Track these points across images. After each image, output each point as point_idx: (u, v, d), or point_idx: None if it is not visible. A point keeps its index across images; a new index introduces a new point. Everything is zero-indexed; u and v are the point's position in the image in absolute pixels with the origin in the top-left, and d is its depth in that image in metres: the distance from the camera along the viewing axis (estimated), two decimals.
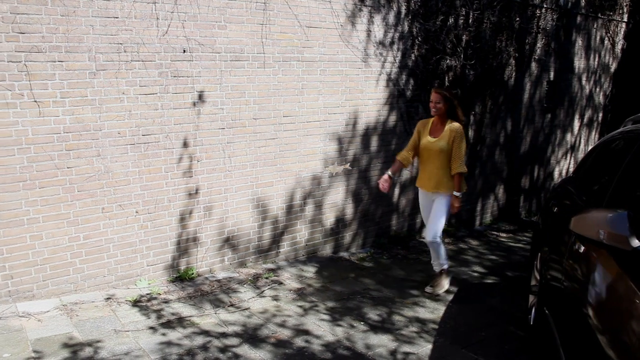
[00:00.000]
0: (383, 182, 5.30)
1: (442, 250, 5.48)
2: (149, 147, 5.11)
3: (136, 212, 5.14)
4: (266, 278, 5.64)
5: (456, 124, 5.24)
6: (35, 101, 4.57)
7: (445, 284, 5.61)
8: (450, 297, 5.47)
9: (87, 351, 3.99)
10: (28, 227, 4.67)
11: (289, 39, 5.79)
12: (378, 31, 6.46)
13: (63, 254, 4.86)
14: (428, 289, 5.55)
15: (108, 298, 4.92)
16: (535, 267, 4.74)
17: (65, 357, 3.90)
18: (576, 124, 10.35)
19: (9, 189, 4.55)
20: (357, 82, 6.41)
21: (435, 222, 5.31)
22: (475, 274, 6.28)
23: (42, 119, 4.62)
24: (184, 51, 5.17)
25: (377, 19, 6.43)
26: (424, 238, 6.11)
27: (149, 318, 4.59)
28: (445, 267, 5.57)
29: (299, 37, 5.85)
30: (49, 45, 4.58)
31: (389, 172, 5.37)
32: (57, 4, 4.55)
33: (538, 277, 4.52)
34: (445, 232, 7.64)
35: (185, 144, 5.30)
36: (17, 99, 4.51)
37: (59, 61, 4.64)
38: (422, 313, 5.04)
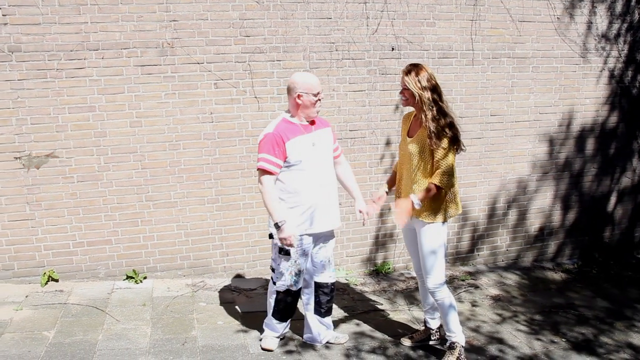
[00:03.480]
0: (373, 205, 3.89)
1: (451, 306, 3.79)
2: (355, 142, 5.29)
3: (340, 204, 5.34)
4: (462, 280, 5.50)
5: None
6: (256, 97, 5.00)
7: None
8: None
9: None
10: (243, 210, 5.14)
11: (500, 34, 5.55)
12: (601, 22, 5.88)
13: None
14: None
15: None
16: None
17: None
18: None
19: (230, 175, 5.05)
20: (573, 80, 5.92)
21: (429, 264, 3.71)
22: None
23: (260, 114, 5.03)
24: (393, 49, 5.24)
25: (601, 8, 5.85)
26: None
27: (345, 307, 4.76)
28: (457, 339, 3.84)
29: (510, 32, 5.58)
30: (269, 46, 4.98)
31: (385, 189, 3.93)
32: (277, 9, 4.92)
33: None
34: None
35: (389, 141, 5.38)
36: (240, 95, 4.98)
37: (277, 60, 5.02)
38: (636, 339, 4.50)
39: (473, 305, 4.95)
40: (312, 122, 3.79)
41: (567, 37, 5.78)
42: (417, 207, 3.55)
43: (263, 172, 3.64)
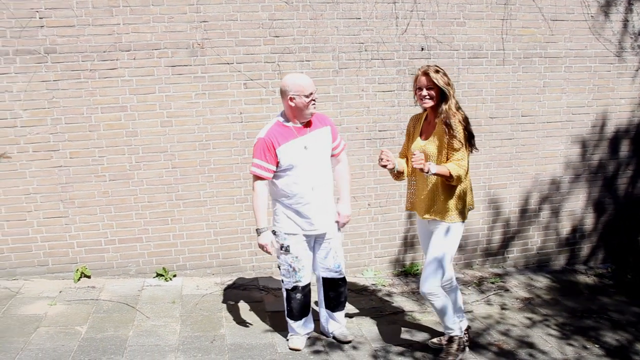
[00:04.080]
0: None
1: (446, 306, 3.73)
2: (384, 142, 5.27)
3: (368, 204, 5.35)
4: (492, 283, 5.43)
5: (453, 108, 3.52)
6: None
7: (455, 354, 3.88)
8: None
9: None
10: (271, 210, 5.14)
11: (532, 34, 5.47)
12: (637, 20, 5.73)
13: None
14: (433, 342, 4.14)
15: None
16: None
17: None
18: None
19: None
20: (607, 80, 5.79)
21: (431, 266, 3.63)
22: None
23: None
24: (422, 49, 5.21)
25: (638, 5, 5.69)
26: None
27: (373, 308, 4.74)
28: (455, 333, 3.87)
29: (542, 31, 5.49)
30: (298, 46, 4.99)
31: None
32: (307, 9, 4.93)
33: None
34: None
35: None
36: (269, 96, 5.01)
37: (306, 61, 5.03)
38: None
39: (502, 309, 4.88)
40: (309, 124, 3.77)
41: (602, 35, 5.67)
42: (426, 172, 3.42)
43: (256, 177, 3.73)
